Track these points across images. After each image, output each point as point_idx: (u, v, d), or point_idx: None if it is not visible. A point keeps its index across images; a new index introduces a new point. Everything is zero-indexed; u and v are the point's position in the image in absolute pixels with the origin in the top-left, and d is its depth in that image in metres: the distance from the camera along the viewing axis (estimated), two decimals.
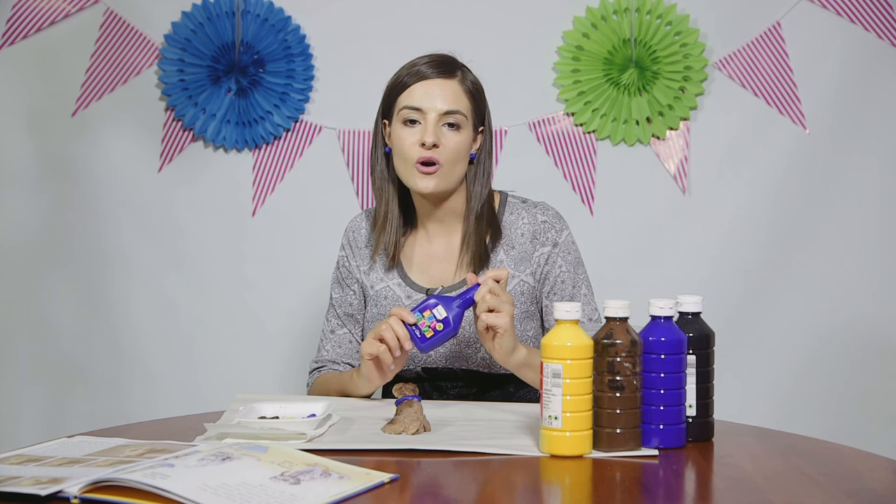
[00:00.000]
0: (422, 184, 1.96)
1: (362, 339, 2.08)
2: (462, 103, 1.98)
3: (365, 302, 2.09)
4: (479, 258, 2.01)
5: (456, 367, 2.02)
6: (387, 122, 2.04)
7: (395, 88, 2.00)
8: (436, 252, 2.06)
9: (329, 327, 2.11)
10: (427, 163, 1.95)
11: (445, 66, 1.99)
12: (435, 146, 1.94)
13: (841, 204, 2.76)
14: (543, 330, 2.06)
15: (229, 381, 2.79)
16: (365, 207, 2.76)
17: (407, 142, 1.96)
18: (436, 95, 1.96)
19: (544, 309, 2.05)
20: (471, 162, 2.03)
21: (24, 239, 2.83)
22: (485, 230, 2.02)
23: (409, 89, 1.98)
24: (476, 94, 2.01)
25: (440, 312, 1.81)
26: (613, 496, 1.39)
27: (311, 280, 2.75)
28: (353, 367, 2.07)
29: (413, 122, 1.97)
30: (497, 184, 2.13)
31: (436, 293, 2.01)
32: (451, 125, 1.96)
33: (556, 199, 2.73)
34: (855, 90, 2.75)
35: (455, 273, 2.03)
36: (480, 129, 2.04)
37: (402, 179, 2.00)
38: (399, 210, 2.05)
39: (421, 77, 1.97)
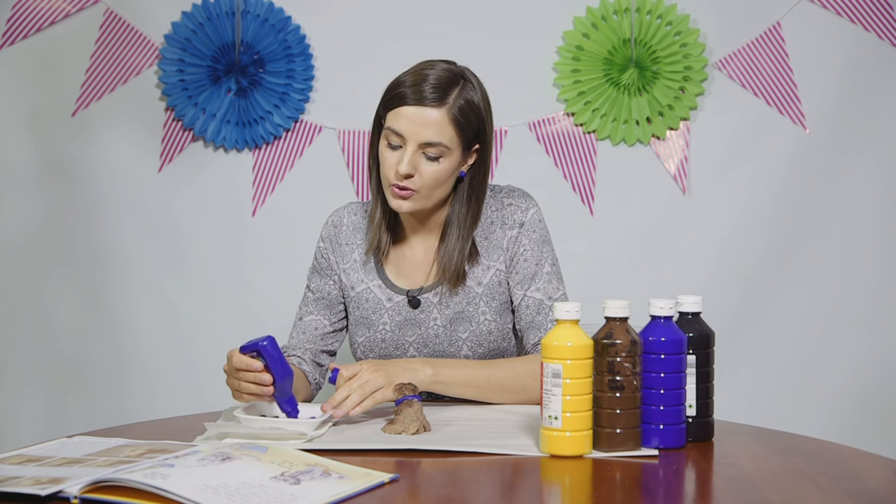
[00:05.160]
0: (394, 203, 1.96)
1: (331, 326, 2.08)
2: (445, 134, 1.91)
3: (344, 297, 2.08)
4: (457, 276, 1.99)
5: None
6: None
7: (388, 103, 1.95)
8: (415, 256, 2.06)
9: (299, 315, 2.11)
10: (402, 188, 1.94)
11: (437, 90, 1.92)
12: (410, 176, 1.92)
13: (841, 204, 2.76)
14: (513, 313, 2.04)
15: None
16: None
17: (387, 163, 1.94)
18: (418, 124, 1.91)
19: (511, 291, 2.02)
20: (461, 179, 2.01)
21: (24, 239, 2.83)
22: (465, 247, 1.99)
23: (396, 111, 1.93)
24: (466, 120, 1.93)
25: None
26: (613, 496, 1.39)
27: None
28: (312, 353, 2.06)
29: (395, 146, 1.93)
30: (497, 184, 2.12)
31: (413, 291, 2.01)
32: (430, 157, 1.92)
33: (556, 199, 2.73)
34: (855, 90, 2.74)
35: (427, 277, 2.03)
36: (475, 147, 1.99)
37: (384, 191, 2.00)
38: (384, 212, 2.04)
39: (408, 101, 1.91)
